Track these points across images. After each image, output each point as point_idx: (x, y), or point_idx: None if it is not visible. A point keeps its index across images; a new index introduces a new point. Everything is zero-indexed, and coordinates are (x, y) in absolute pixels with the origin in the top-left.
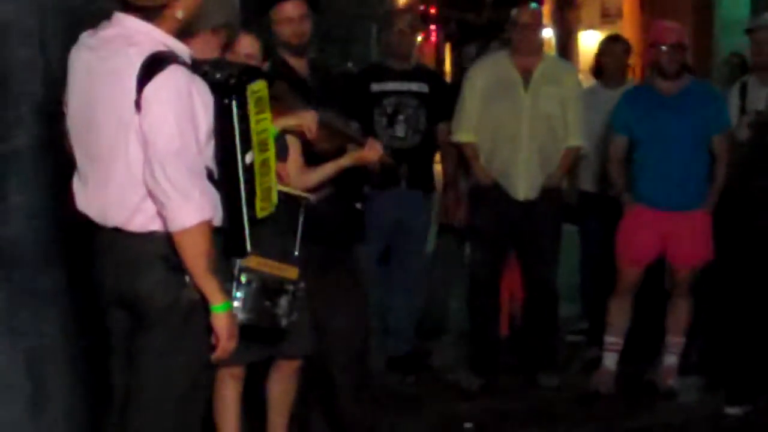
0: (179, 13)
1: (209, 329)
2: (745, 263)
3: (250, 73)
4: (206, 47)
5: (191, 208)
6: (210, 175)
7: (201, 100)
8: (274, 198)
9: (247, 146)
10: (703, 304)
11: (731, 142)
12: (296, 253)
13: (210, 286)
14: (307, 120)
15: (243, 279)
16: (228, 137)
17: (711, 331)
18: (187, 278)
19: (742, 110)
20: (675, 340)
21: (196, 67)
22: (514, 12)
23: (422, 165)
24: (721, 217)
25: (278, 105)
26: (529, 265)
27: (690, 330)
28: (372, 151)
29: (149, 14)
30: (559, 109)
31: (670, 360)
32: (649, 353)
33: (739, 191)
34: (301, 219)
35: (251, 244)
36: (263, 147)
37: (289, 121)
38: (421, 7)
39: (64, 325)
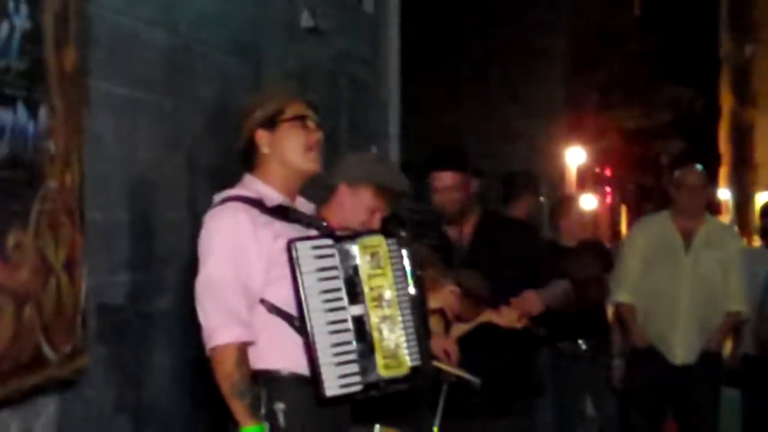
0: (264, 149)
1: None
2: None
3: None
4: (342, 203)
5: (210, 332)
6: (288, 319)
7: (258, 237)
8: (404, 359)
9: (354, 299)
10: None
11: None
12: (435, 429)
13: (234, 408)
14: (449, 300)
15: None
16: (294, 282)
17: None
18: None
19: None
20: None
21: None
22: (677, 173)
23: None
24: None
25: (426, 274)
26: (687, 429)
27: None
28: (504, 318)
29: (250, 165)
30: (720, 273)
31: None
32: None
33: None
34: (443, 395)
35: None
36: (379, 303)
37: (432, 303)
38: (597, 169)
39: None
